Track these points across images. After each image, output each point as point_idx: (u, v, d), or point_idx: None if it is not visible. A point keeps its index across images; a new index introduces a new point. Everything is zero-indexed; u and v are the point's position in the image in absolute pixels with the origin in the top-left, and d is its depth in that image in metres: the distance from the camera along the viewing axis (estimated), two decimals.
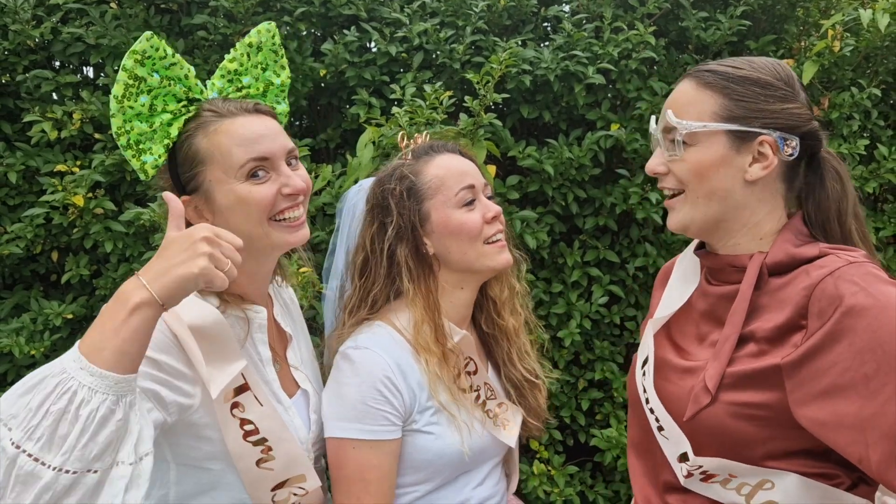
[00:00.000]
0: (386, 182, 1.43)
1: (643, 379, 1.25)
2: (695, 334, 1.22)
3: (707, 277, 1.24)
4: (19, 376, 2.39)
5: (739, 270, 1.15)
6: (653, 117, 1.23)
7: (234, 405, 1.17)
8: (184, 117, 1.22)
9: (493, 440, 1.43)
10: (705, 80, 1.14)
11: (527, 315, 1.56)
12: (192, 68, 1.23)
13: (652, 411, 1.21)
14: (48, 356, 2.39)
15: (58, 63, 2.59)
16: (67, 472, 0.86)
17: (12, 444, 0.85)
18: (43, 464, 0.85)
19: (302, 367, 1.39)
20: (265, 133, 1.21)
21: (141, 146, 1.21)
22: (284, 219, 1.22)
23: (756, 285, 1.11)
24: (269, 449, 1.20)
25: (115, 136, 1.20)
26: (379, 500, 1.30)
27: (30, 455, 0.85)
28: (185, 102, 1.22)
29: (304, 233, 1.26)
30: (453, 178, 1.39)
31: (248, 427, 1.19)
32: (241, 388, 1.19)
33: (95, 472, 0.89)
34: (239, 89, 1.30)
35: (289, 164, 1.24)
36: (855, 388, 0.97)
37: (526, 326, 1.56)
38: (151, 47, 1.17)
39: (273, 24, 1.33)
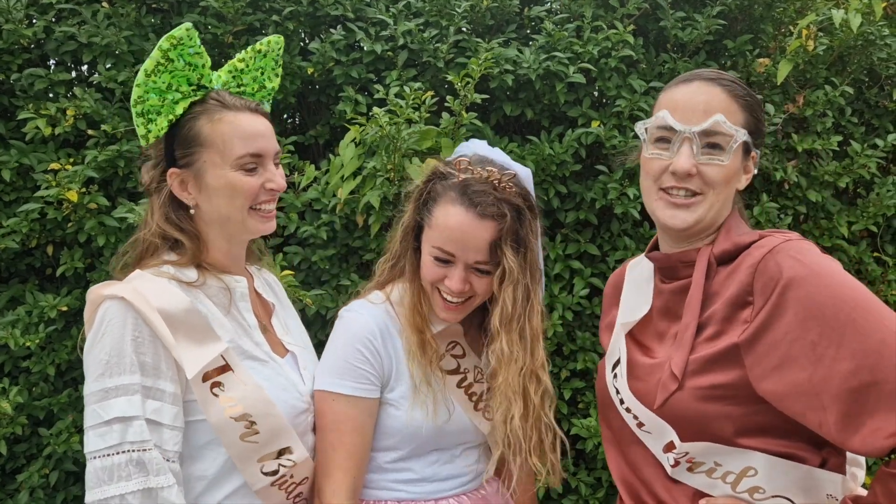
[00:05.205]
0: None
1: (615, 381, 1.31)
2: (654, 332, 1.29)
3: (660, 278, 1.31)
4: (16, 367, 2.45)
5: (688, 265, 1.23)
6: (663, 113, 1.20)
7: (215, 384, 1.26)
8: (190, 99, 1.33)
9: (471, 424, 1.50)
10: (735, 92, 1.20)
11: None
12: (209, 59, 1.35)
13: (629, 410, 1.26)
14: (43, 348, 2.44)
15: (52, 61, 2.62)
16: None
17: None
18: None
19: (288, 334, 1.51)
20: (264, 132, 1.35)
21: (149, 116, 1.33)
22: (261, 209, 1.36)
23: (706, 275, 1.20)
24: (253, 423, 1.28)
25: (132, 102, 1.32)
26: (350, 451, 1.40)
27: None
28: (195, 87, 1.34)
29: (273, 224, 1.41)
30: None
31: (230, 405, 1.27)
32: (223, 369, 1.27)
33: None
34: (238, 86, 1.41)
35: (275, 165, 1.39)
36: (805, 355, 1.05)
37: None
38: (188, 37, 1.29)
39: (281, 38, 1.47)
